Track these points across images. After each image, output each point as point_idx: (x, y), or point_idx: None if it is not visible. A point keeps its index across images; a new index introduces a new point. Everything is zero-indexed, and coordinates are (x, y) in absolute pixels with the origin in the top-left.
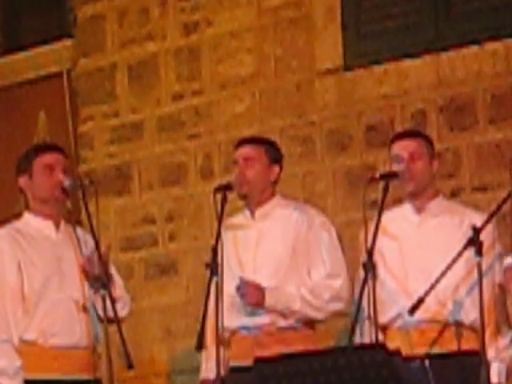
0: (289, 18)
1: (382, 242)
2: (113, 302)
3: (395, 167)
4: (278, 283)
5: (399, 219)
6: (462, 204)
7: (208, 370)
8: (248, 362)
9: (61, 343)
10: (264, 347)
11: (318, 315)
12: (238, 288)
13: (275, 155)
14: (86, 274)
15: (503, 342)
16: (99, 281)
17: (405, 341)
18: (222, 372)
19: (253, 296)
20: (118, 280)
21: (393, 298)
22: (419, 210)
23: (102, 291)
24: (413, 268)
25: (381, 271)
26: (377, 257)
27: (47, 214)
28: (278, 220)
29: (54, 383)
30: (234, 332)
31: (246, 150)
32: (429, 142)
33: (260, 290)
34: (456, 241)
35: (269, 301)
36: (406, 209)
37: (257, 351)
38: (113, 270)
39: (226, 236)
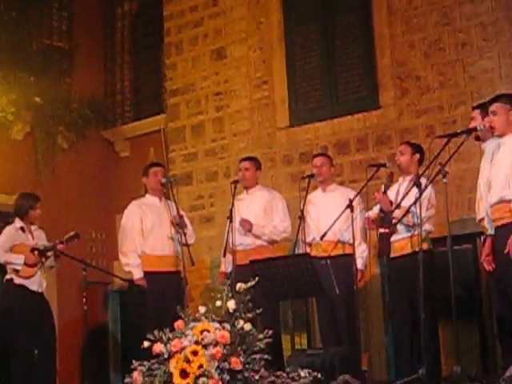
0: (260, 102)
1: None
2: (184, 235)
3: None
4: (260, 223)
5: (315, 194)
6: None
7: (224, 267)
8: (245, 262)
9: (159, 254)
10: (251, 255)
11: (277, 238)
12: (240, 222)
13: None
14: (172, 222)
15: (361, 248)
16: (179, 225)
17: (318, 251)
18: (231, 268)
19: (246, 226)
20: (189, 226)
21: (312, 230)
22: (323, 189)
23: (180, 230)
24: (321, 215)
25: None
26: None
27: (155, 195)
28: (259, 195)
29: (158, 273)
30: (238, 246)
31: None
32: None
33: (250, 224)
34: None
35: (254, 230)
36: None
37: (249, 257)
38: (187, 221)
39: (237, 203)
